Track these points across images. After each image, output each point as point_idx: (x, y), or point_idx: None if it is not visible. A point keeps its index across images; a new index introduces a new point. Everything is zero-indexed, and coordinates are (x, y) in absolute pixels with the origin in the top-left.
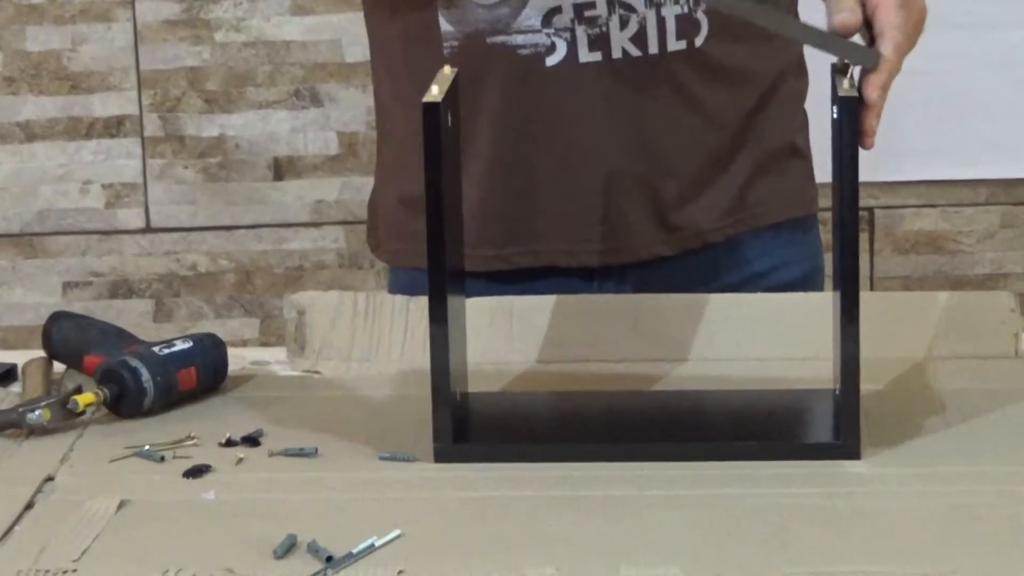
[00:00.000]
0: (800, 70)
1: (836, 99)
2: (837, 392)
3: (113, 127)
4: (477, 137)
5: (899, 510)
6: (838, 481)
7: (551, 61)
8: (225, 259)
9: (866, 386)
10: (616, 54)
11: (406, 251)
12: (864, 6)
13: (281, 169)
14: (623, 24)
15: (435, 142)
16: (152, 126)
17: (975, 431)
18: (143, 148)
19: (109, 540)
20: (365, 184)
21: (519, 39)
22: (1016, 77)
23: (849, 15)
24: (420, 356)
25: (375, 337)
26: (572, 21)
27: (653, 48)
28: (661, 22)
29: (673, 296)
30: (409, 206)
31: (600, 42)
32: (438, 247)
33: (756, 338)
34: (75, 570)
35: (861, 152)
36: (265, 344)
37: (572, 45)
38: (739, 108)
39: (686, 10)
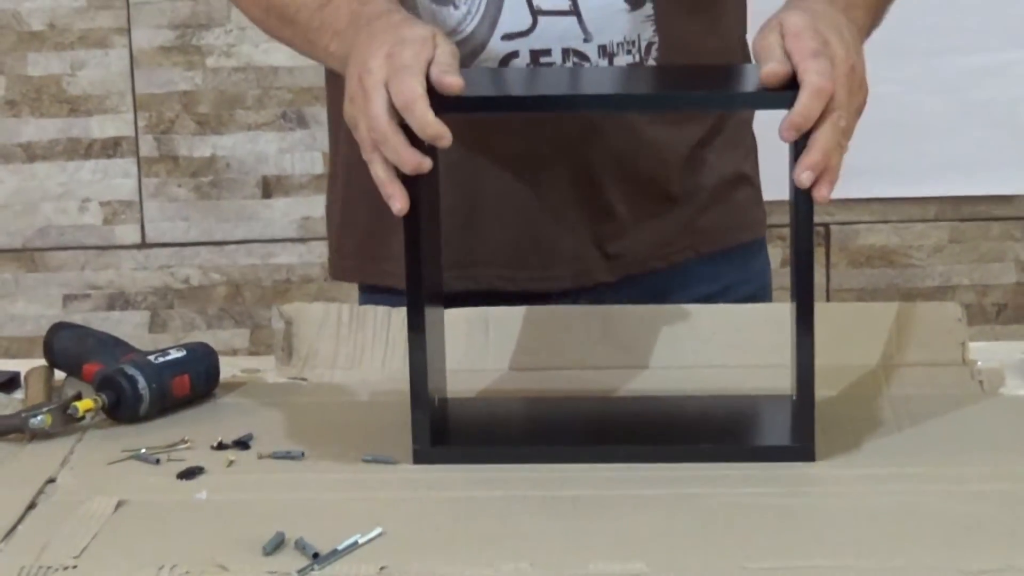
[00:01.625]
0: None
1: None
2: (793, 398)
3: (110, 148)
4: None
5: (852, 509)
6: (795, 482)
7: None
8: (216, 273)
9: (821, 392)
10: None
11: (380, 271)
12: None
13: (269, 187)
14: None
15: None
16: (147, 147)
17: (924, 434)
18: (139, 167)
19: (107, 538)
20: None
21: None
22: (964, 101)
23: (777, 65)
24: (401, 364)
25: (358, 346)
26: (528, 66)
27: None
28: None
29: (640, 307)
30: (382, 220)
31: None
32: (416, 259)
33: (718, 347)
34: (75, 566)
35: None
36: (254, 353)
37: None
38: (686, 144)
39: (637, 59)
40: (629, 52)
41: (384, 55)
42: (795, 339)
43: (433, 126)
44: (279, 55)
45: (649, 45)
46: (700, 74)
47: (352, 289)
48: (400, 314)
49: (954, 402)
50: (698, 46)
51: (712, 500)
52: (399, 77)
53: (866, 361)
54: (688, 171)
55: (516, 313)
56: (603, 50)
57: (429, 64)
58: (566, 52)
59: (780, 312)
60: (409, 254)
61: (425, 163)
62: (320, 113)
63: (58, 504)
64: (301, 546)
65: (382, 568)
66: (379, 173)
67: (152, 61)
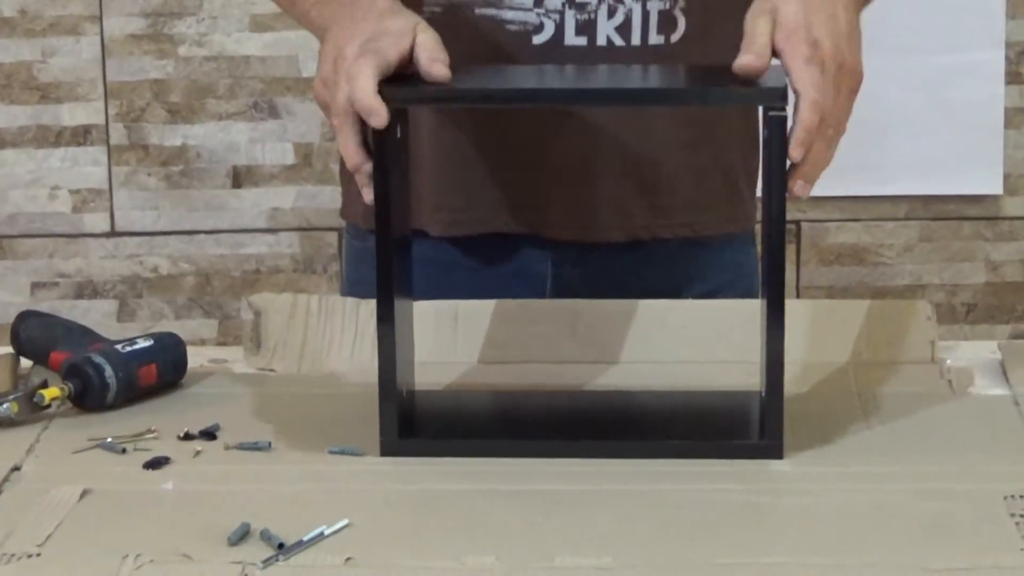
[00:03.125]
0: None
1: (765, 117)
2: (763, 395)
3: (80, 136)
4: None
5: (820, 506)
6: (763, 478)
7: (538, 40)
8: (186, 262)
9: (792, 389)
10: (601, 41)
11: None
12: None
13: (240, 177)
14: (611, 13)
15: (384, 153)
16: (118, 135)
17: (893, 432)
18: (109, 156)
19: (72, 527)
20: (319, 193)
21: (508, 14)
22: (936, 100)
23: (753, 59)
24: (370, 356)
25: (327, 338)
26: (563, 5)
27: (635, 40)
28: (646, 15)
29: (610, 301)
30: None
31: (587, 28)
32: (385, 251)
33: (688, 342)
34: (39, 554)
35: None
36: (223, 343)
37: (560, 27)
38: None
39: (667, 6)
40: None
41: (360, 44)
42: (765, 335)
43: (364, 100)
44: (251, 45)
45: None
46: (691, 71)
47: (321, 281)
48: (369, 306)
49: (923, 401)
50: (723, 6)
51: (680, 496)
52: (363, 58)
53: (836, 358)
54: (710, 137)
55: (485, 306)
56: None
57: (404, 54)
58: None
59: (751, 308)
60: (379, 245)
61: (364, 168)
62: (292, 104)
63: (23, 492)
64: (266, 537)
65: (347, 559)
66: (342, 144)
67: (123, 49)
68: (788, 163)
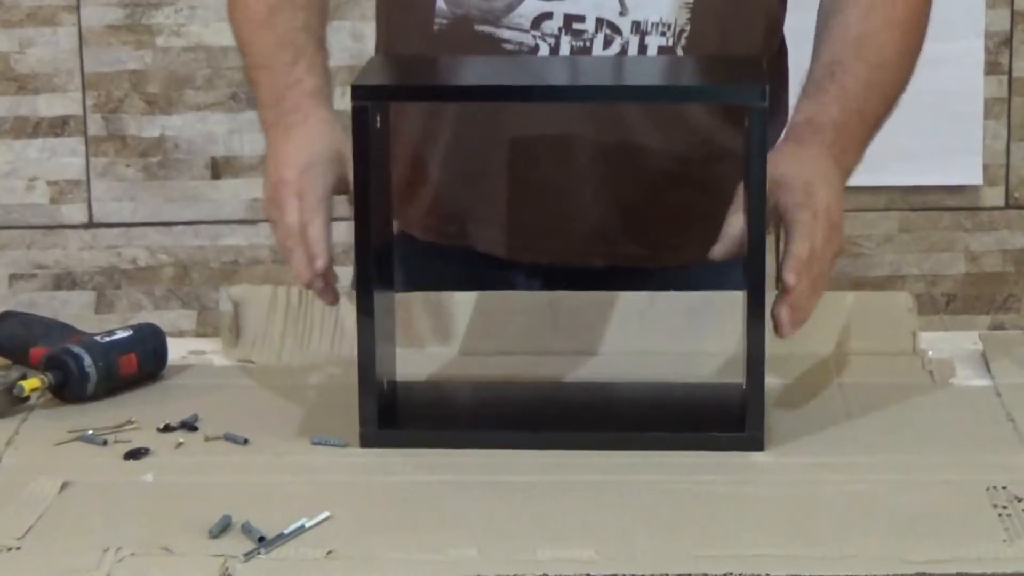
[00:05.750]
0: (780, 108)
1: (747, 111)
2: (744, 386)
3: (58, 127)
4: (447, 115)
5: (801, 497)
6: (745, 470)
7: None
8: (164, 254)
9: (774, 380)
10: None
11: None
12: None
13: (218, 168)
14: (607, 43)
15: (364, 143)
16: (95, 126)
17: (875, 423)
18: (87, 147)
19: (52, 519)
20: None
21: (506, 33)
22: (915, 91)
23: (721, 248)
24: (350, 347)
25: (306, 329)
26: (560, 30)
27: None
28: (643, 50)
29: (591, 293)
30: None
31: (581, 55)
32: (364, 242)
33: (670, 334)
34: (19, 547)
35: None
36: (201, 335)
37: (555, 52)
38: (709, 135)
39: (669, 43)
40: (663, 34)
41: (297, 165)
42: (746, 327)
43: (318, 244)
44: (229, 35)
45: (681, 32)
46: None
47: None
48: (350, 298)
49: (905, 392)
50: (726, 44)
51: (662, 488)
52: (307, 197)
53: (817, 349)
54: (706, 168)
55: (466, 298)
56: (636, 27)
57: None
58: (600, 22)
59: (732, 300)
60: (358, 236)
61: (320, 260)
62: None
63: (2, 485)
64: (247, 529)
65: (329, 552)
66: (295, 267)
67: (101, 40)
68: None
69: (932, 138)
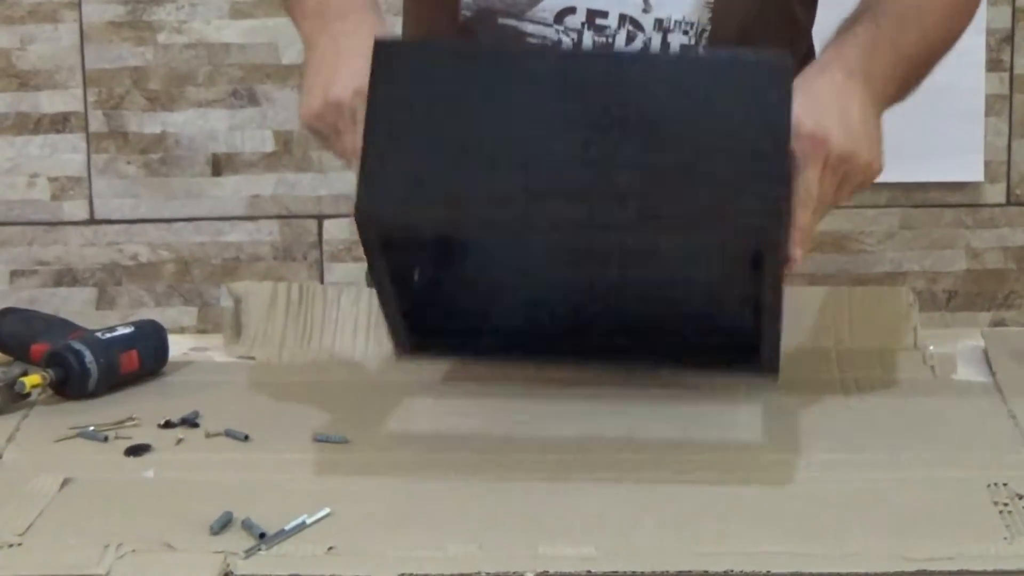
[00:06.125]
0: None
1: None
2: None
3: (59, 123)
4: None
5: (801, 495)
6: (744, 467)
7: None
8: (165, 250)
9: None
10: None
11: None
12: None
13: (219, 165)
14: (629, 40)
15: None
16: (96, 123)
17: (876, 420)
18: (88, 143)
19: (53, 516)
20: (299, 180)
21: (529, 27)
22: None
23: None
24: (350, 343)
25: (307, 326)
26: (582, 24)
27: None
28: (665, 47)
29: None
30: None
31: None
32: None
33: None
34: (20, 544)
35: None
36: (203, 331)
37: (577, 46)
38: None
39: (692, 41)
40: (685, 33)
41: (354, 89)
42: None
43: None
44: (230, 32)
45: (703, 31)
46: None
47: (300, 268)
48: (350, 293)
49: (906, 388)
50: (747, 45)
51: (663, 485)
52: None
53: (817, 344)
54: None
55: None
56: (659, 24)
57: None
58: (623, 18)
59: None
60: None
61: None
62: (271, 91)
63: (3, 481)
64: (248, 526)
65: (330, 549)
66: None
67: (102, 36)
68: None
69: (933, 135)
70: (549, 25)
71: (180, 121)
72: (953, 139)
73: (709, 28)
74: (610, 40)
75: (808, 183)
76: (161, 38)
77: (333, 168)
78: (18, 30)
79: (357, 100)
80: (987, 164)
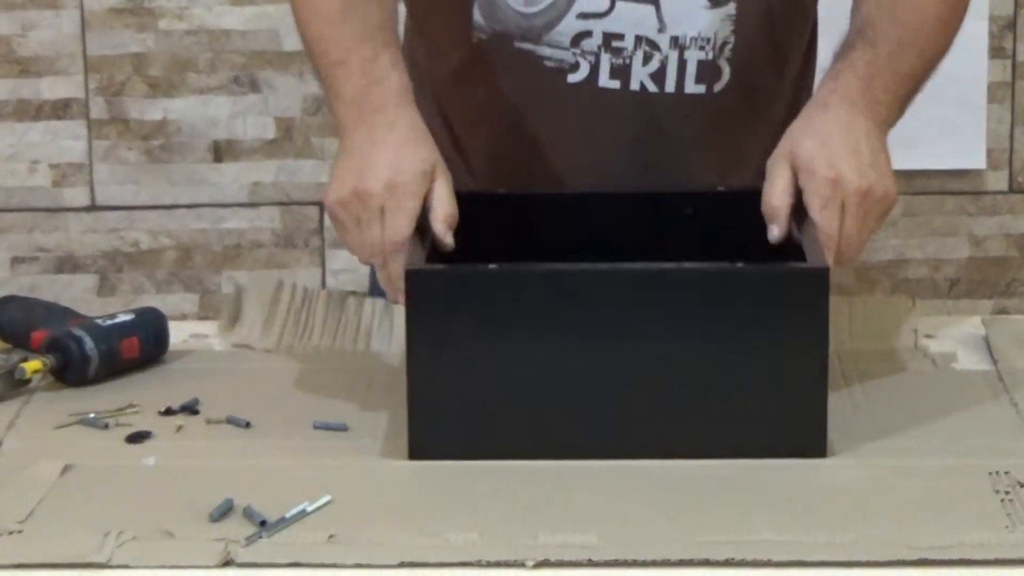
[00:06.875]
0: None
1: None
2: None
3: (60, 110)
4: (487, 126)
5: (803, 483)
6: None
7: (573, 79)
8: (166, 237)
9: None
10: (634, 86)
11: None
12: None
13: (220, 152)
14: (646, 60)
15: None
16: (98, 109)
17: (878, 409)
18: (89, 130)
19: (54, 503)
20: (300, 167)
21: (546, 51)
22: None
23: (779, 232)
24: (351, 342)
25: (308, 325)
26: (599, 47)
27: (670, 87)
28: (682, 64)
29: None
30: None
31: (621, 72)
32: None
33: None
34: (21, 531)
35: None
36: (204, 318)
37: (595, 69)
38: (743, 152)
39: (710, 57)
40: (702, 48)
41: (385, 182)
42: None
43: (396, 282)
44: (232, 19)
45: (724, 44)
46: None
47: (302, 255)
48: (357, 299)
49: (908, 378)
50: (775, 52)
51: (664, 474)
52: (395, 220)
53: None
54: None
55: None
56: (675, 41)
57: (422, 203)
58: (639, 39)
59: None
60: None
61: (400, 299)
62: (273, 78)
63: (3, 468)
64: (249, 513)
65: (330, 536)
66: (382, 282)
67: (103, 23)
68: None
69: (936, 122)
70: (566, 49)
71: (181, 108)
72: (955, 126)
73: (732, 40)
74: (627, 61)
75: (829, 225)
76: (162, 24)
77: (334, 155)
78: (19, 16)
79: (387, 194)
80: (989, 151)
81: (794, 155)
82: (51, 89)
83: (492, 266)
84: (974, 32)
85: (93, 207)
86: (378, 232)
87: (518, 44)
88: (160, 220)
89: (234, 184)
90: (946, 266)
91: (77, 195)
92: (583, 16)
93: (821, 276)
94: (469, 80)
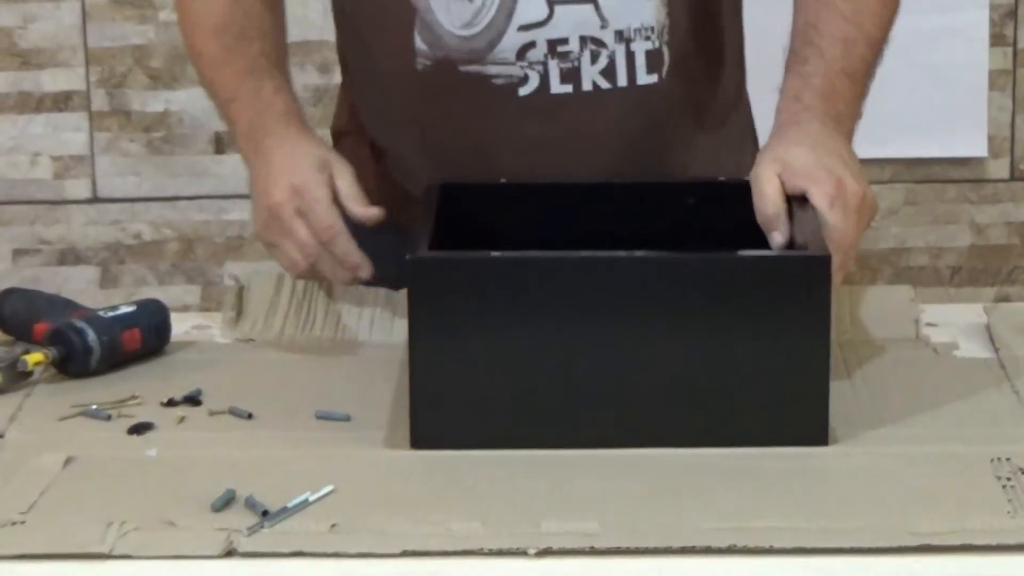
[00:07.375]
0: (740, 101)
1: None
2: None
3: (62, 102)
4: (444, 150)
5: (806, 470)
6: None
7: (524, 91)
8: (168, 228)
9: None
10: (587, 87)
11: None
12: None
13: (222, 143)
14: (594, 59)
15: None
16: (99, 101)
17: (879, 396)
18: (90, 122)
19: (56, 494)
20: None
21: (493, 69)
22: (921, 62)
23: (781, 238)
24: (353, 333)
25: (310, 319)
26: (545, 55)
27: (622, 81)
28: (630, 57)
29: None
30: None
31: (572, 76)
32: None
33: None
34: (23, 522)
35: None
36: (206, 309)
37: (544, 78)
38: (698, 136)
39: (656, 45)
40: (647, 38)
41: (287, 188)
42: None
43: (354, 256)
44: None
45: (663, 29)
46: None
47: None
48: (357, 290)
49: (909, 365)
50: (702, 33)
51: (666, 462)
52: (314, 213)
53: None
54: (699, 167)
55: None
56: (620, 35)
57: (331, 186)
58: (583, 40)
59: None
60: None
61: (363, 270)
62: None
63: (7, 460)
64: (251, 503)
65: (333, 526)
66: (329, 275)
67: (104, 15)
68: None
69: (937, 110)
70: (512, 64)
71: (183, 99)
72: (957, 114)
73: (668, 23)
74: (576, 64)
75: (840, 220)
76: (163, 16)
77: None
78: (20, 9)
79: (295, 197)
80: (991, 139)
81: (786, 163)
82: (52, 81)
83: (494, 254)
84: (975, 20)
85: (95, 199)
86: (304, 229)
87: (463, 67)
88: (162, 212)
89: (236, 175)
90: (948, 254)
91: (79, 187)
92: (524, 28)
93: (823, 263)
94: (419, 109)
